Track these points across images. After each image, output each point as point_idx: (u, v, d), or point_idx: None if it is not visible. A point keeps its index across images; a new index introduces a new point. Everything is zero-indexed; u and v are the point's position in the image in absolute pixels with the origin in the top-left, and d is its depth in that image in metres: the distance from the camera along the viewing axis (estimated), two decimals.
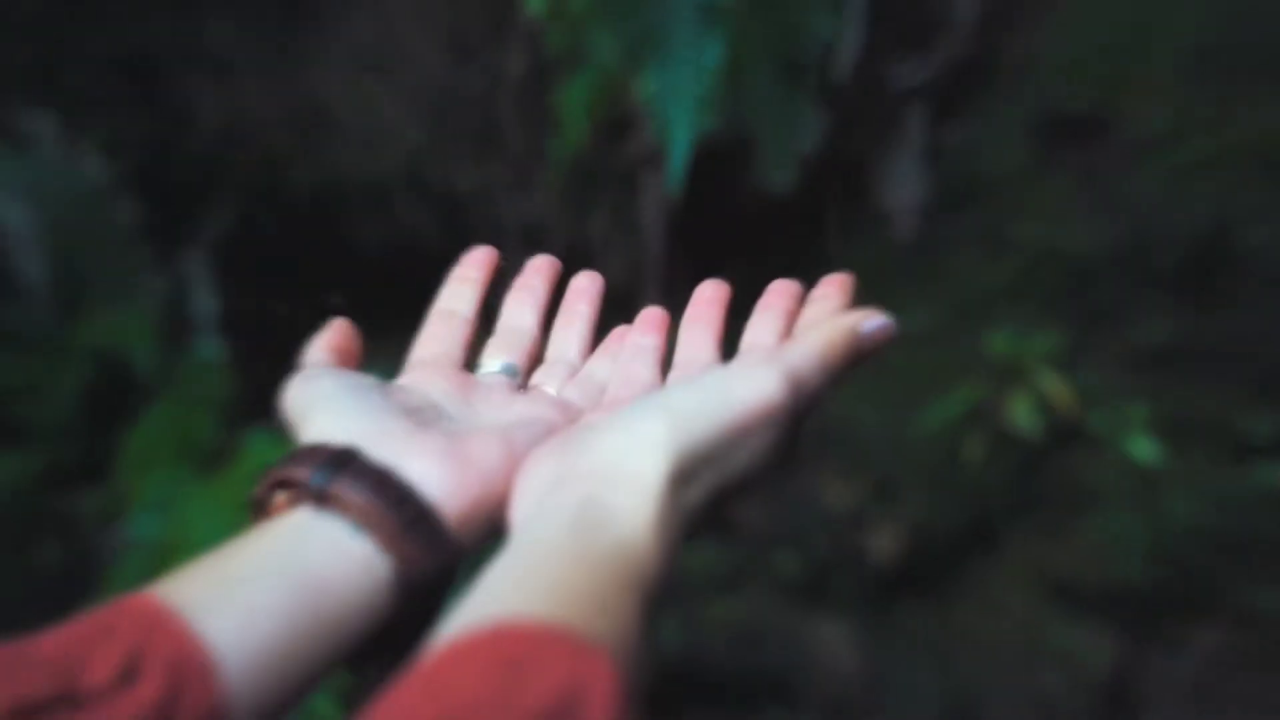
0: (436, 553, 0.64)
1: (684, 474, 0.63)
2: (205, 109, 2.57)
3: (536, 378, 0.81)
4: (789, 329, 0.77)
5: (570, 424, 0.74)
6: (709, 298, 0.80)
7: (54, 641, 0.56)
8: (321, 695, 1.98)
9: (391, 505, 0.64)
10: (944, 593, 2.66)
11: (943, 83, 2.66)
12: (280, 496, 0.66)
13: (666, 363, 0.79)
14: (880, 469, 2.65)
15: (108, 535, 2.42)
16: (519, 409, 0.75)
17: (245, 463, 2.34)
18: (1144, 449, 2.50)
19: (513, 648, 0.51)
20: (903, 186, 2.68)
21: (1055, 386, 2.50)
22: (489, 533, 0.67)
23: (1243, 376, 2.52)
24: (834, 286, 0.77)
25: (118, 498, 2.42)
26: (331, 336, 0.78)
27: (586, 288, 0.85)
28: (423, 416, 0.71)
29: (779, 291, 0.79)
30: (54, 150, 2.51)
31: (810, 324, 0.75)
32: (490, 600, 0.55)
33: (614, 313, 0.84)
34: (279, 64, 2.55)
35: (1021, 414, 2.50)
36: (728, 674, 2.57)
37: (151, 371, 2.46)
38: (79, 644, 0.56)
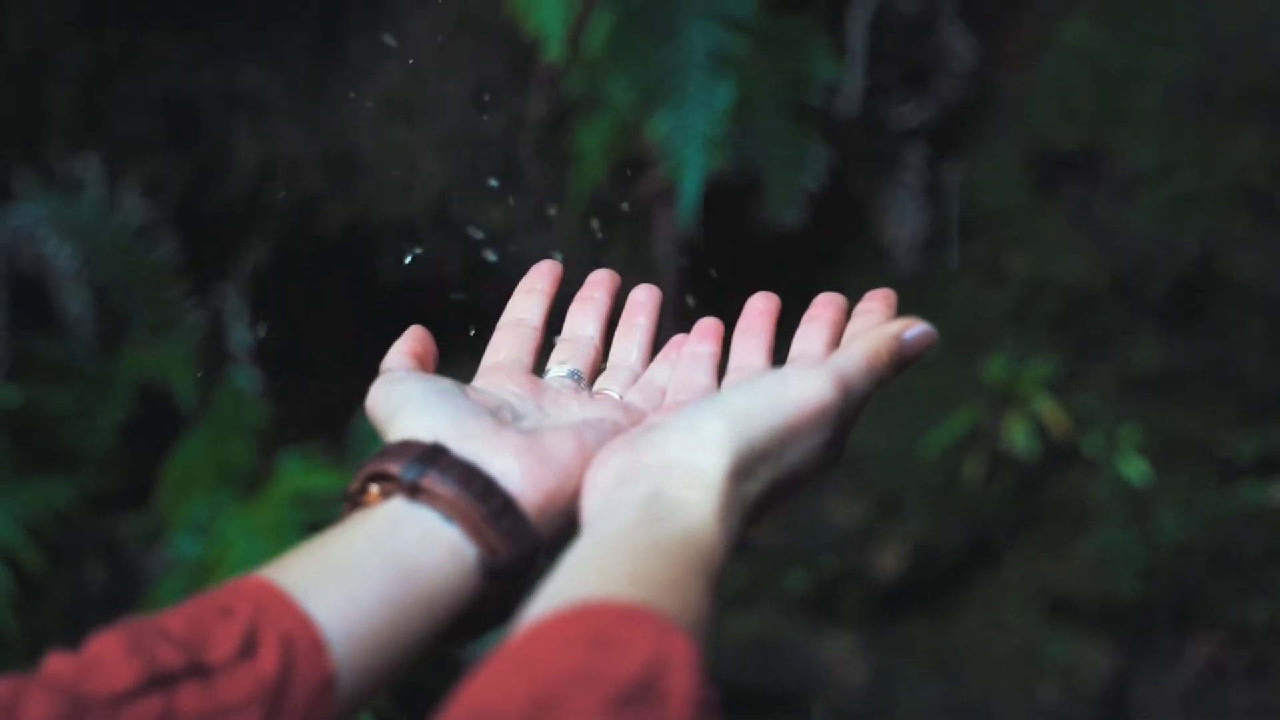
0: (518, 541, 0.69)
1: (743, 469, 0.67)
2: (242, 152, 2.61)
3: (600, 382, 0.85)
4: (835, 339, 0.80)
5: (634, 424, 0.78)
6: (760, 309, 0.84)
7: (179, 618, 0.61)
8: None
9: (477, 498, 0.68)
10: (947, 608, 2.67)
11: (941, 122, 2.68)
12: (374, 489, 0.71)
13: (721, 369, 0.84)
14: (885, 489, 2.67)
15: (150, 556, 2.46)
16: (587, 410, 0.79)
17: (280, 486, 2.37)
18: (1136, 469, 2.54)
19: (599, 624, 0.55)
20: (904, 221, 2.72)
21: (1051, 410, 2.54)
22: (564, 523, 0.71)
23: (1228, 400, 2.53)
24: (879, 301, 0.81)
25: (159, 521, 2.43)
26: (409, 342, 0.82)
27: (645, 300, 0.88)
28: (500, 416, 0.75)
29: (825, 303, 0.82)
30: (97, 191, 2.53)
31: (857, 333, 0.78)
32: (573, 584, 0.59)
33: None
34: (312, 109, 2.60)
35: (1019, 436, 2.54)
36: (742, 686, 2.57)
37: (190, 401, 2.47)
38: (202, 621, 0.61)
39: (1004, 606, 2.66)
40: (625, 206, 2.53)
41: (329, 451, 2.39)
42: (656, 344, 0.89)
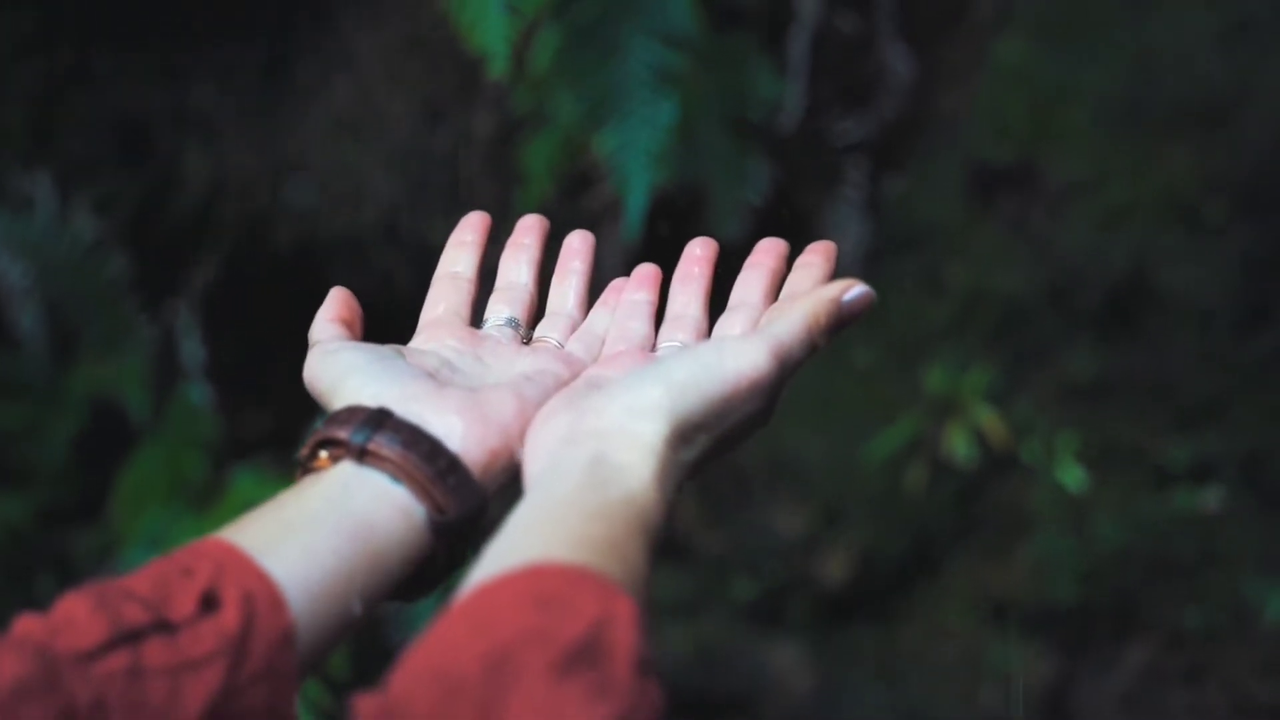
0: (464, 499, 0.71)
1: (681, 437, 0.69)
2: (192, 168, 2.62)
3: (540, 329, 0.86)
4: (774, 287, 0.81)
5: (574, 375, 0.80)
6: (699, 256, 0.85)
7: (142, 579, 0.63)
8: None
9: (424, 458, 0.70)
10: (890, 614, 2.70)
11: (881, 137, 2.73)
12: (323, 454, 0.72)
13: (659, 316, 0.84)
14: (829, 498, 2.70)
15: (103, 571, 2.47)
16: (526, 363, 0.80)
17: (232, 499, 2.38)
18: (1073, 477, 2.58)
19: (547, 585, 0.56)
20: (845, 234, 2.77)
21: (990, 419, 2.57)
22: (507, 479, 0.74)
23: (1161, 408, 2.58)
24: (819, 254, 0.81)
25: (112, 535, 2.42)
26: (335, 309, 0.83)
27: (580, 246, 0.89)
28: (441, 376, 0.77)
29: (766, 250, 0.83)
30: (48, 209, 2.55)
31: (796, 291, 0.79)
32: (518, 546, 0.61)
33: None
34: (262, 126, 2.62)
35: (959, 445, 2.57)
36: (689, 694, 2.58)
37: (143, 415, 2.48)
38: (165, 581, 0.63)
39: (946, 613, 2.70)
40: (572, 220, 2.56)
41: (280, 464, 2.41)
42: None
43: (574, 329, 0.86)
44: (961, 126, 2.74)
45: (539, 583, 0.57)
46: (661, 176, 2.31)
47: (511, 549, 0.61)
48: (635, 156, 2.28)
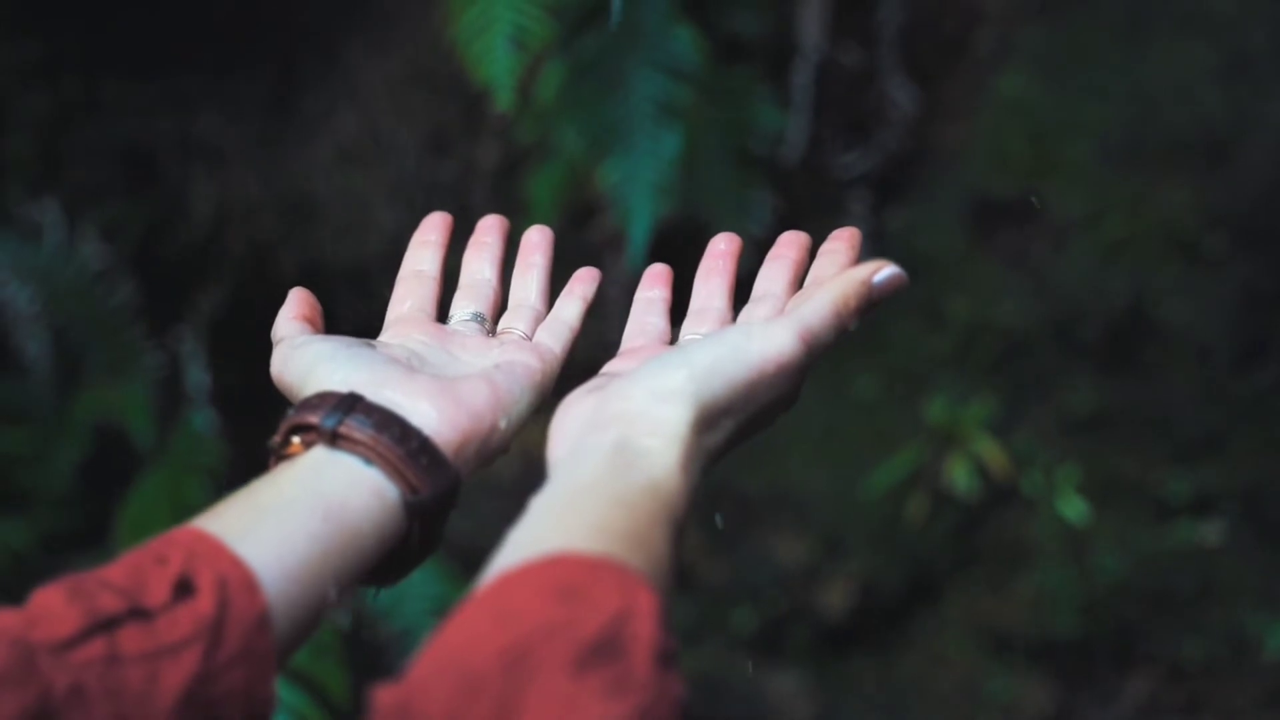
0: (437, 479, 0.72)
1: (707, 421, 0.68)
2: (198, 197, 2.64)
3: (504, 322, 0.86)
4: (797, 278, 0.81)
5: (544, 364, 0.81)
6: (723, 250, 0.86)
7: (117, 569, 0.64)
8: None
9: (395, 440, 0.71)
10: (891, 645, 2.70)
11: (883, 170, 2.75)
12: (296, 440, 0.73)
13: (680, 310, 0.84)
14: (830, 529, 2.71)
15: None
16: (496, 353, 0.81)
17: None
18: (1073, 509, 2.59)
19: (568, 576, 0.56)
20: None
21: (990, 451, 2.58)
22: (479, 462, 0.75)
23: (1161, 441, 2.60)
24: (843, 240, 0.81)
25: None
26: (297, 307, 0.84)
27: (539, 240, 0.90)
28: (410, 365, 0.78)
29: (788, 242, 0.84)
30: (56, 236, 2.56)
31: (821, 277, 0.78)
32: (541, 533, 0.61)
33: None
34: (268, 155, 2.63)
35: (960, 476, 2.58)
36: None
37: (147, 442, 2.48)
38: (140, 569, 0.64)
39: (946, 643, 2.70)
40: (576, 251, 2.58)
41: None
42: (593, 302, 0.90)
43: (537, 321, 0.86)
44: (962, 160, 2.76)
45: (560, 574, 0.57)
46: (664, 208, 2.32)
47: (534, 536, 0.61)
48: (639, 188, 2.30)
